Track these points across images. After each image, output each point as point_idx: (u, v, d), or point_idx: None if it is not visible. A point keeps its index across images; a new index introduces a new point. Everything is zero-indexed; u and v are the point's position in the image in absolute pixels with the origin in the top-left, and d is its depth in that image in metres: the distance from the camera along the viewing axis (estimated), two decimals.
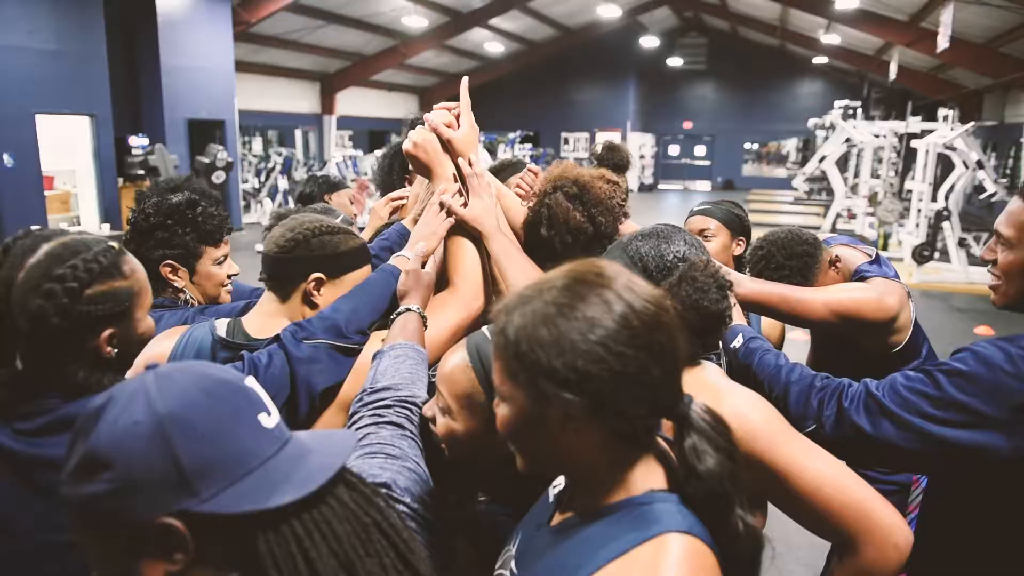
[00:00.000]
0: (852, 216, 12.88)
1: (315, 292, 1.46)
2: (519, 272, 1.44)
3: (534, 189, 2.14)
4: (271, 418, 0.73)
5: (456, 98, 1.64)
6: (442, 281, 1.60)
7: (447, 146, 1.60)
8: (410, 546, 0.74)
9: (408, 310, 1.42)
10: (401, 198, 2.10)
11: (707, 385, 1.20)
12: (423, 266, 1.52)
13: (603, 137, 22.58)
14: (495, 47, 21.68)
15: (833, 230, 12.64)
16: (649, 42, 21.94)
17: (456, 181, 1.60)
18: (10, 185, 9.63)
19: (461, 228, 1.58)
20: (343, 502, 0.72)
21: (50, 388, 1.13)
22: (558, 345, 0.83)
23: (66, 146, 10.99)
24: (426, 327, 1.41)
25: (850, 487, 1.10)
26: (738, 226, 2.19)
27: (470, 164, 1.60)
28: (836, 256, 2.11)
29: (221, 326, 1.47)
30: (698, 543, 0.84)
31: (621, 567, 0.82)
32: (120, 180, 11.43)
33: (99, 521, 0.67)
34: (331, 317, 1.41)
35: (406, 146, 1.62)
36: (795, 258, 2.06)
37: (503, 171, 2.34)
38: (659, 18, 23.29)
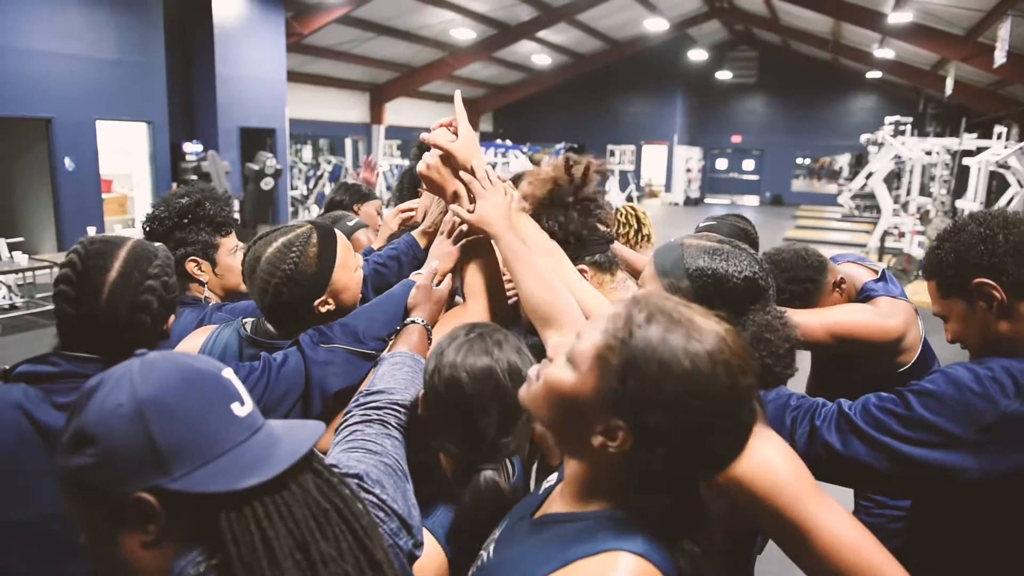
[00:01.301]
0: (902, 235, 12.56)
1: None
2: (527, 272, 1.41)
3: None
4: (244, 408, 0.78)
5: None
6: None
7: (449, 158, 1.58)
8: (368, 532, 0.79)
9: (413, 322, 1.48)
10: (411, 209, 2.15)
11: None
12: (439, 284, 1.56)
13: (650, 151, 22.01)
14: (542, 59, 21.79)
15: (881, 248, 12.34)
16: (698, 55, 21.77)
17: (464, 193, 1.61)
18: (70, 188, 10.07)
19: (479, 245, 1.58)
20: (305, 488, 0.77)
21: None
22: (659, 380, 0.82)
23: (124, 151, 11.43)
24: (431, 340, 1.46)
25: (867, 550, 1.08)
26: (743, 241, 2.19)
27: (472, 171, 1.58)
28: (841, 278, 2.06)
29: (248, 324, 1.58)
30: (650, 568, 0.83)
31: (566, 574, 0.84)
32: (174, 185, 11.82)
33: (83, 492, 0.74)
34: (350, 324, 1.49)
35: (420, 167, 1.64)
36: (797, 283, 2.00)
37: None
38: (708, 31, 23.11)
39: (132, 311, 1.25)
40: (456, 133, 1.59)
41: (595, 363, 0.85)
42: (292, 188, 15.54)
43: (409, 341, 1.44)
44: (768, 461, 1.10)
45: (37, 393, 1.21)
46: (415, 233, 1.90)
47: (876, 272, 2.10)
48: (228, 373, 0.80)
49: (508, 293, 1.60)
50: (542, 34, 19.20)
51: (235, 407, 0.77)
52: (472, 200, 1.53)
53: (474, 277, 1.57)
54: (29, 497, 1.18)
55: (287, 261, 1.43)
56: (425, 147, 2.63)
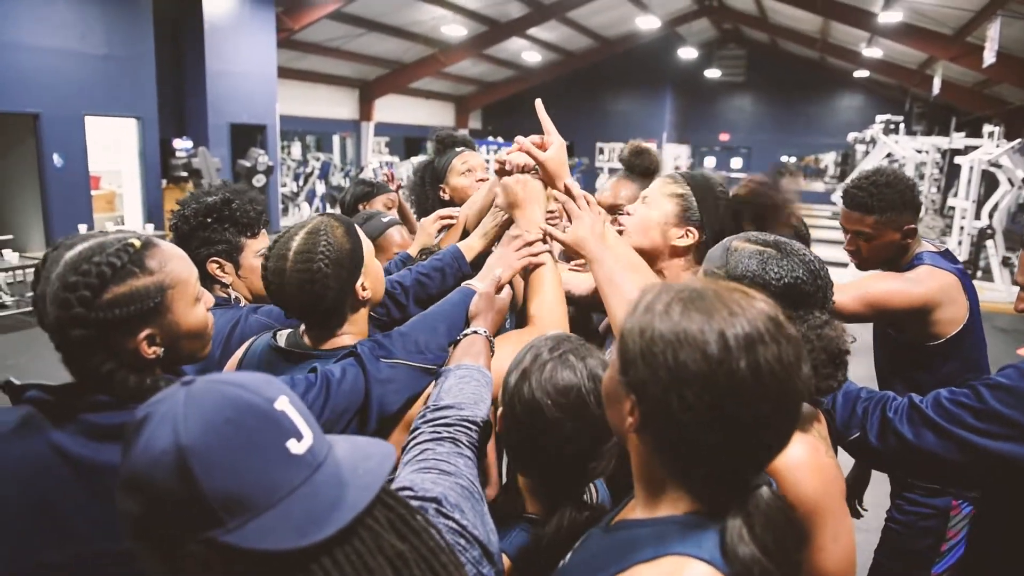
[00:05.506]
0: None
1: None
2: (621, 300, 1.38)
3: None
4: (302, 443, 0.70)
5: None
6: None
7: (540, 168, 1.58)
8: (449, 570, 0.74)
9: (475, 332, 1.43)
10: (451, 217, 2.10)
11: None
12: (499, 293, 1.53)
13: None
14: (532, 56, 21.76)
15: None
16: (687, 53, 21.83)
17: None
18: (59, 184, 9.92)
19: (544, 268, 1.56)
20: (375, 531, 0.70)
21: (99, 392, 1.11)
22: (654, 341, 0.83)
23: (113, 147, 11.29)
24: (493, 351, 1.41)
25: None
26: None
27: (567, 189, 1.57)
28: (913, 228, 2.11)
29: (282, 336, 1.49)
30: (715, 574, 0.80)
31: None
32: (164, 181, 11.70)
33: (137, 537, 0.68)
34: (410, 333, 1.42)
35: (507, 181, 1.62)
36: None
37: None
38: (697, 30, 23.18)
39: (51, 332, 1.10)
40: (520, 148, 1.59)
41: (616, 351, 0.89)
42: (282, 185, 15.42)
43: (472, 352, 1.37)
44: (798, 465, 1.10)
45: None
46: (461, 245, 1.84)
47: (938, 249, 2.15)
48: (282, 403, 0.71)
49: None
50: (532, 31, 19.17)
51: (291, 444, 0.69)
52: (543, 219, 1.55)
53: (540, 295, 1.54)
54: (63, 536, 1.08)
55: (320, 244, 1.37)
56: (448, 141, 2.56)
